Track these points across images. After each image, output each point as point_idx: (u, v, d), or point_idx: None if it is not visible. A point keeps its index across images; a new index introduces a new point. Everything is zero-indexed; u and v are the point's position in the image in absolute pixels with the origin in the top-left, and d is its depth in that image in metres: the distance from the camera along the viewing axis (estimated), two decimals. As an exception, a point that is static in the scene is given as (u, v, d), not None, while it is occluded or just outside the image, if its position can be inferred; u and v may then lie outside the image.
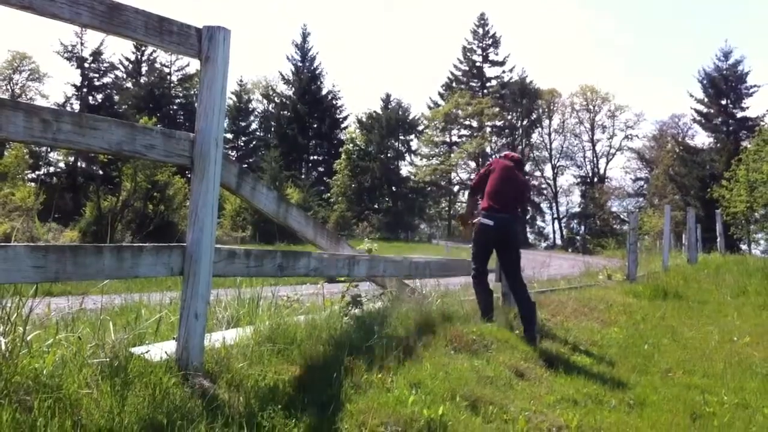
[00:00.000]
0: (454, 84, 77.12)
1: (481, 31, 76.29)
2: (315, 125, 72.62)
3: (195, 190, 3.70)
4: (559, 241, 73.60)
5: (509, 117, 76.43)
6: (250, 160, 68.60)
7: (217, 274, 3.86)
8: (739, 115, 60.53)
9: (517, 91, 74.24)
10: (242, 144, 73.59)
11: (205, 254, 3.67)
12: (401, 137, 73.01)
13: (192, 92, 62.01)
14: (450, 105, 72.78)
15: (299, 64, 73.37)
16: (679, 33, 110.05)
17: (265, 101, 77.59)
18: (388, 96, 73.97)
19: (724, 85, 60.10)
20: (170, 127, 35.65)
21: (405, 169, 74.13)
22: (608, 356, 6.96)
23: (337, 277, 5.80)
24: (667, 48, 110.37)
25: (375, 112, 72.29)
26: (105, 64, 55.55)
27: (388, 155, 71.34)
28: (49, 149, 46.35)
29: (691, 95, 62.57)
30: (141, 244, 3.51)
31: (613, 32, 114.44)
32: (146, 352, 3.59)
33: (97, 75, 54.47)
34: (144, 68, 64.27)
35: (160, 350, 3.66)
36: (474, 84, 77.27)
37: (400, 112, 72.54)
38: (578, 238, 72.42)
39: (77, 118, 3.11)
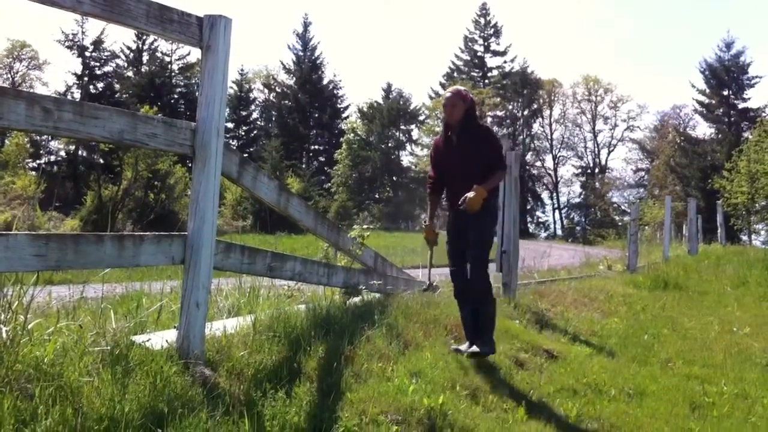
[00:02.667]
0: (455, 74, 76.84)
1: (482, 20, 76.01)
2: (316, 115, 72.47)
3: (196, 179, 3.70)
4: (559, 232, 73.51)
5: (510, 107, 76.23)
6: (251, 150, 68.41)
7: (215, 267, 3.86)
8: (741, 105, 60.49)
9: (518, 81, 74.04)
10: (243, 133, 73.36)
11: (206, 244, 3.68)
12: (402, 127, 72.80)
13: (193, 81, 61.78)
14: (451, 95, 72.52)
15: (300, 53, 73.14)
16: (682, 23, 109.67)
17: (266, 91, 77.34)
18: (389, 86, 73.75)
19: (726, 76, 60.01)
20: (171, 116, 35.48)
21: (406, 159, 73.91)
22: (608, 346, 6.98)
23: (317, 284, 5.82)
24: (670, 38, 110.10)
25: (376, 101, 72.06)
26: (106, 53, 55.40)
27: (389, 145, 71.18)
28: (50, 138, 46.39)
29: (693, 86, 62.62)
30: (142, 233, 3.52)
31: (616, 22, 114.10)
32: (147, 341, 3.60)
33: (98, 64, 54.34)
34: (145, 57, 64.03)
35: (161, 339, 3.67)
36: (475, 74, 77.00)
37: (401, 102, 72.30)
38: (578, 228, 72.39)
39: (78, 107, 3.11)
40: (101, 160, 43.11)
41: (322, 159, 73.80)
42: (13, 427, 2.57)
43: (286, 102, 72.29)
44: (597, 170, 76.90)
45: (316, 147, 75.50)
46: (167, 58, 64.16)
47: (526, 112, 76.49)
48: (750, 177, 38.39)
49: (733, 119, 60.13)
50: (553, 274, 12.79)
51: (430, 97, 76.54)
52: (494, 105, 72.68)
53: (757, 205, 39.21)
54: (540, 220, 78.40)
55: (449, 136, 5.76)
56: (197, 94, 3.81)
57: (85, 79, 53.12)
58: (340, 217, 51.55)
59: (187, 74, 63.59)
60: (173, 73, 64.26)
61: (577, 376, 5.54)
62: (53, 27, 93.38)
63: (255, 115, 75.78)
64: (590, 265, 16.08)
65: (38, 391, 2.79)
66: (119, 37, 70.40)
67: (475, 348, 5.22)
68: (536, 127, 78.60)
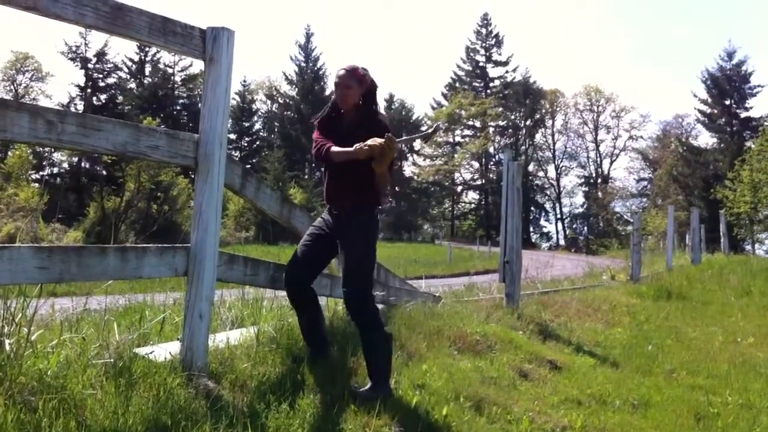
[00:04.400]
0: (457, 84, 77.02)
1: (484, 31, 76.20)
2: (318, 126, 72.60)
3: (199, 190, 3.70)
4: (562, 242, 73.50)
5: (512, 117, 76.40)
6: (254, 161, 68.50)
7: (218, 278, 3.86)
8: (743, 115, 60.50)
9: (520, 91, 74.19)
10: (246, 144, 73.48)
11: (209, 255, 3.67)
12: (404, 137, 72.98)
13: (196, 93, 61.98)
14: (453, 105, 72.69)
15: (303, 64, 73.30)
16: (684, 33, 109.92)
17: (268, 102, 77.54)
18: (391, 96, 73.89)
19: (728, 86, 60.05)
20: (174, 127, 35.62)
21: (408, 170, 74.06)
22: (612, 357, 6.96)
23: (320, 295, 5.78)
24: (672, 48, 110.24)
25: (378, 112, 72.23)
26: (109, 65, 55.61)
27: (392, 155, 71.28)
28: (53, 150, 46.48)
29: (695, 95, 62.71)
30: (145, 245, 3.52)
31: (617, 32, 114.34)
32: (150, 353, 3.59)
33: (101, 76, 54.55)
34: (148, 69, 64.25)
35: (165, 351, 3.66)
36: (477, 84, 77.17)
37: (404, 113, 72.49)
38: (581, 238, 72.35)
39: (81, 119, 3.11)
40: (104, 172, 43.23)
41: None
42: (16, 440, 2.57)
43: (289, 113, 72.44)
44: (599, 180, 76.92)
45: (319, 158, 75.43)
46: (170, 70, 64.37)
47: (528, 122, 76.61)
48: (753, 186, 38.41)
49: (735, 128, 60.14)
50: (557, 285, 12.77)
51: (432, 108, 76.70)
52: (496, 115, 72.89)
53: (760, 214, 39.24)
54: (543, 230, 78.47)
55: (337, 120, 4.59)
56: (200, 105, 3.81)
57: (89, 90, 53.26)
58: (343, 227, 51.46)
59: (190, 86, 63.81)
60: (176, 85, 64.46)
61: (582, 386, 5.53)
62: (57, 39, 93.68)
63: (258, 126, 75.96)
64: (593, 275, 16.07)
65: (42, 404, 2.78)
66: (122, 49, 70.39)
67: (361, 390, 4.07)
68: (538, 137, 78.77)
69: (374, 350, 4.19)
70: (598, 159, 78.06)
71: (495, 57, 76.72)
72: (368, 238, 4.36)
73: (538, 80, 78.30)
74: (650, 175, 73.42)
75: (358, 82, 4.53)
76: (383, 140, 4.09)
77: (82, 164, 49.35)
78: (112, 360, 3.34)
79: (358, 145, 4.12)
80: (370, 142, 4.10)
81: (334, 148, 4.28)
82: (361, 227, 4.32)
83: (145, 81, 63.39)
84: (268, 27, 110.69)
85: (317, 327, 4.49)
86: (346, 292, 4.25)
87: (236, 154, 68.29)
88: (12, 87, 60.36)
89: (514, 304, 8.18)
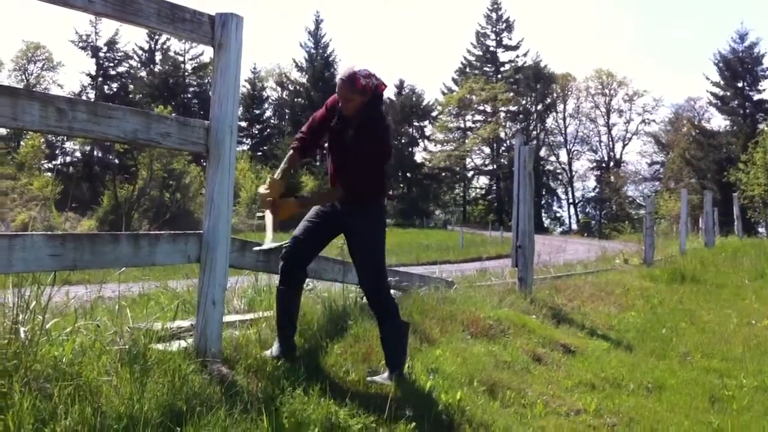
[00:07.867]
0: (467, 69, 76.71)
1: (494, 15, 75.79)
2: (329, 112, 72.49)
3: (210, 177, 3.70)
4: (575, 226, 73.27)
5: (523, 102, 76.00)
6: (265, 148, 68.61)
7: (231, 265, 3.86)
8: (756, 97, 60.13)
9: (531, 75, 73.76)
10: (257, 132, 73.53)
11: (222, 241, 3.68)
12: (415, 123, 72.72)
13: (206, 80, 62.03)
14: (464, 90, 72.43)
15: (312, 51, 73.11)
16: (696, 17, 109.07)
17: (278, 89, 77.42)
18: (401, 82, 73.60)
19: (740, 68, 59.64)
20: (185, 115, 35.85)
21: (419, 155, 73.84)
22: (626, 340, 6.94)
23: (332, 281, 5.72)
24: (684, 30, 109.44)
25: (389, 98, 71.96)
26: (120, 54, 55.81)
27: (403, 141, 71.14)
28: (65, 139, 46.71)
29: (707, 78, 62.34)
30: (158, 232, 3.53)
31: (629, 15, 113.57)
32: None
33: (112, 64, 54.73)
34: (158, 57, 64.32)
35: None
36: (488, 69, 76.81)
37: (414, 98, 72.24)
38: (594, 222, 72.15)
39: (92, 107, 3.12)
40: (116, 161, 43.46)
41: (335, 156, 73.65)
42: (32, 427, 2.58)
43: (299, 100, 72.25)
44: (612, 164, 76.57)
45: (330, 144, 75.40)
46: (180, 58, 64.44)
47: (539, 107, 76.18)
48: (766, 169, 38.19)
49: (748, 111, 59.76)
50: (570, 269, 12.74)
51: (443, 93, 76.45)
52: (507, 100, 72.55)
53: (773, 196, 39.00)
54: (555, 215, 78.23)
55: (343, 118, 4.32)
56: (210, 92, 3.81)
57: (100, 79, 53.43)
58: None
59: (201, 73, 63.86)
60: (186, 73, 64.50)
61: (595, 370, 5.52)
62: (67, 28, 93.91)
63: (268, 113, 75.92)
64: (606, 259, 16.03)
65: (57, 391, 2.80)
66: (132, 38, 70.45)
67: (376, 377, 4.11)
68: (550, 121, 78.37)
69: (390, 338, 4.21)
70: (611, 143, 77.72)
71: (505, 41, 76.37)
72: (376, 227, 4.28)
73: (549, 64, 77.67)
74: (663, 159, 73.06)
75: (360, 93, 4.16)
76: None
77: (95, 153, 49.57)
78: (126, 347, 3.36)
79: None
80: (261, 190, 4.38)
81: (292, 153, 4.56)
82: (367, 217, 4.24)
83: (156, 69, 63.45)
84: (278, 14, 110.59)
85: (293, 314, 4.32)
86: (361, 284, 4.30)
87: (247, 141, 68.41)
88: (24, 76, 60.60)
89: (527, 288, 8.17)
